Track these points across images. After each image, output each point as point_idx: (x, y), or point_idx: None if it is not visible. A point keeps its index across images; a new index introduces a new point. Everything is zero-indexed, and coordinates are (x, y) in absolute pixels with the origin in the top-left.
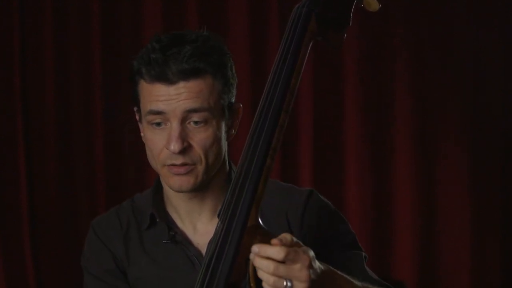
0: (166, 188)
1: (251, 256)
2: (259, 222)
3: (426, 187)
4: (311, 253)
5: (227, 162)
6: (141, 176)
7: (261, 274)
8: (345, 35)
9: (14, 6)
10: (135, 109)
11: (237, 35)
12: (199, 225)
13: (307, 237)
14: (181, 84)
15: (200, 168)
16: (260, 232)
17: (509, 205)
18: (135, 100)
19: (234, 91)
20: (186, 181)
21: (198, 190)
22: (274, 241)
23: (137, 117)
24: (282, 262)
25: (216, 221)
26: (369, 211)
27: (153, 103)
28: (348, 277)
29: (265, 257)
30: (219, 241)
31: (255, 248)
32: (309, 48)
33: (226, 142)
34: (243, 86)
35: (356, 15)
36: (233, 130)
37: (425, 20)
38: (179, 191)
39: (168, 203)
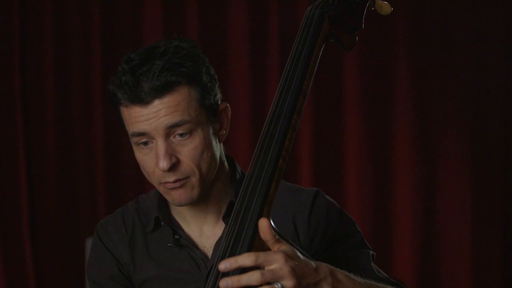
0: None
1: (231, 282)
2: (271, 223)
3: (427, 187)
4: (290, 251)
5: (225, 162)
6: (141, 176)
7: None
8: (357, 37)
9: (14, 6)
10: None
11: (237, 35)
12: (205, 228)
13: (315, 237)
14: (156, 102)
15: (195, 179)
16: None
17: (509, 205)
18: (121, 122)
19: (217, 92)
20: (184, 194)
21: (199, 199)
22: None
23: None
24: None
25: (221, 223)
26: (369, 211)
27: (134, 126)
28: (349, 274)
29: (238, 268)
30: (231, 242)
31: (223, 265)
32: (322, 49)
33: (219, 144)
34: (243, 86)
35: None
36: (224, 131)
37: (425, 21)
38: (180, 205)
39: (172, 208)
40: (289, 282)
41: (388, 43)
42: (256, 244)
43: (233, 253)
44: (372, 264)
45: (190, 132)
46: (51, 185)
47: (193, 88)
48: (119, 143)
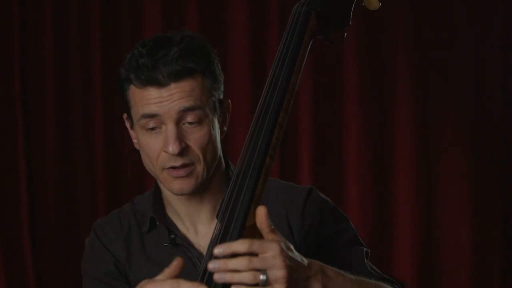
0: (165, 192)
1: (218, 265)
2: None
3: (427, 187)
4: (284, 242)
5: (222, 160)
6: (141, 176)
7: (238, 278)
8: (346, 33)
9: (14, 6)
10: (125, 116)
11: (237, 35)
12: (200, 227)
13: (308, 234)
14: (173, 85)
15: (200, 168)
16: (259, 232)
17: (509, 205)
18: (126, 107)
19: (223, 88)
20: (187, 183)
21: (198, 191)
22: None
23: (128, 125)
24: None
25: (216, 221)
26: (369, 211)
27: (145, 107)
28: (340, 270)
29: (231, 254)
30: (217, 241)
31: (218, 249)
32: (309, 46)
33: (219, 140)
34: (243, 86)
35: (357, 14)
36: (224, 127)
37: (425, 22)
38: (180, 194)
39: (168, 207)
40: (279, 272)
41: (388, 43)
42: None
43: None
44: (366, 261)
45: (199, 121)
46: (51, 185)
47: (207, 79)
48: (120, 142)
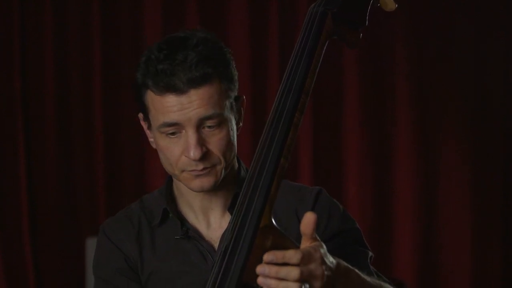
0: (179, 185)
1: (268, 270)
2: (273, 222)
3: (427, 188)
4: (323, 249)
5: (236, 155)
6: (141, 176)
7: (282, 286)
8: (361, 34)
9: (14, 7)
10: (141, 116)
11: (237, 35)
12: (212, 220)
13: (316, 231)
14: (192, 92)
15: (220, 167)
16: (273, 232)
17: (509, 205)
18: (143, 110)
19: (237, 84)
20: (207, 182)
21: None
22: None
23: (144, 125)
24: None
25: (227, 215)
26: (369, 211)
27: (166, 115)
28: (357, 270)
29: (282, 264)
30: (231, 241)
31: (271, 256)
32: (325, 47)
33: (236, 137)
34: (243, 85)
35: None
36: (240, 123)
37: (425, 22)
38: (200, 191)
39: (180, 199)
40: (318, 283)
41: (388, 42)
42: (257, 243)
43: (233, 252)
44: (369, 264)
45: (218, 124)
46: (51, 185)
47: (223, 81)
48: (120, 142)
